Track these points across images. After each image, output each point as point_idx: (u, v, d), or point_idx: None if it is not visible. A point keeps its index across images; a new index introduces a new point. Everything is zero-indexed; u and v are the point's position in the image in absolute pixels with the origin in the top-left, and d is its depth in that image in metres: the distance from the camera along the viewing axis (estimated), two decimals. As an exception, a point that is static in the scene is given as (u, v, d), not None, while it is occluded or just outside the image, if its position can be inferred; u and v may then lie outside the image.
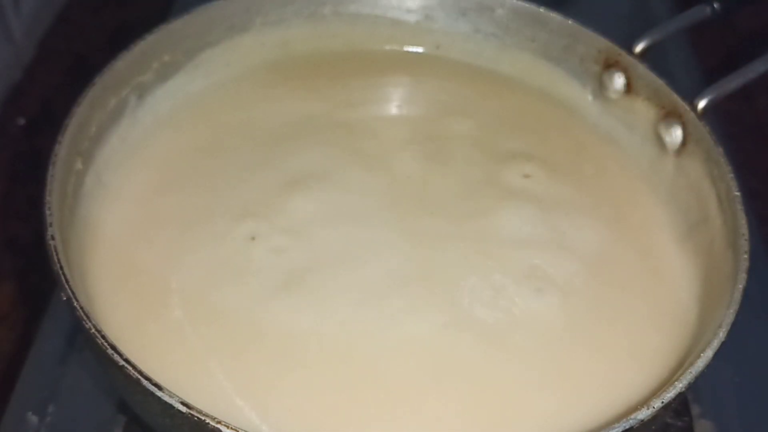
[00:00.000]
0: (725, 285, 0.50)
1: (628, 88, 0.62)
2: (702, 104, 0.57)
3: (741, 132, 0.91)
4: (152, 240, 0.53)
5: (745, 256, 0.50)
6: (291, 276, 0.52)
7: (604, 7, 0.79)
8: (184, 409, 0.40)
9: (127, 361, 0.42)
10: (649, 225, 0.59)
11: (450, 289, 0.52)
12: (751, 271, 0.49)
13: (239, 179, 0.57)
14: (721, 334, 0.46)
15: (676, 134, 0.59)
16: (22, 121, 0.95)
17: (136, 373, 0.41)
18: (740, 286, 0.48)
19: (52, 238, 0.46)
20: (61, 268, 0.45)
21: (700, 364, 0.45)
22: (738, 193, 0.53)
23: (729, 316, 0.47)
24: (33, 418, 0.55)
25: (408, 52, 0.69)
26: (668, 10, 0.85)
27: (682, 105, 0.58)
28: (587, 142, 0.64)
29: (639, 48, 0.61)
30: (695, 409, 0.59)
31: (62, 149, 0.51)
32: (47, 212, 0.47)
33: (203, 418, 0.40)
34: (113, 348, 0.42)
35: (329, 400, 0.47)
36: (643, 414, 0.43)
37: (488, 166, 0.60)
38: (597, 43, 0.63)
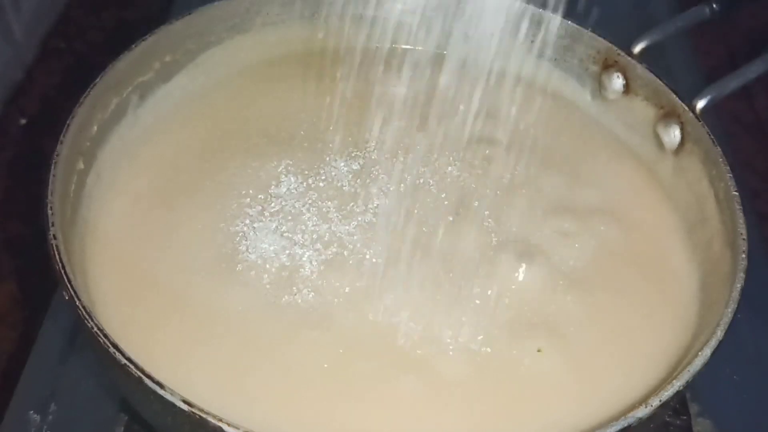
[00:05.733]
0: (724, 284, 0.50)
1: (627, 88, 0.62)
2: (701, 104, 0.57)
3: (740, 132, 0.91)
4: (154, 239, 0.54)
5: (744, 255, 0.50)
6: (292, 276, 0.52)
7: (603, 7, 0.79)
8: (185, 407, 0.40)
9: (128, 360, 0.42)
10: (649, 224, 0.59)
11: (459, 287, 0.53)
12: (750, 271, 0.49)
13: (241, 177, 0.58)
14: (720, 333, 0.46)
15: (674, 134, 0.59)
16: (23, 121, 0.95)
17: (137, 372, 0.41)
18: (739, 286, 0.48)
19: (54, 237, 0.46)
20: (63, 267, 0.45)
21: (699, 362, 0.45)
22: (736, 193, 0.53)
23: (727, 316, 0.47)
24: (35, 417, 0.55)
25: (408, 50, 0.69)
26: (668, 11, 0.85)
27: (681, 105, 0.58)
28: (586, 142, 0.64)
29: (638, 48, 0.61)
30: (694, 408, 0.59)
31: (64, 149, 0.51)
32: (49, 212, 0.47)
33: (205, 416, 0.40)
34: (115, 347, 0.42)
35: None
36: (642, 412, 0.43)
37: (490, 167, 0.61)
38: (596, 43, 0.63)
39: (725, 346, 0.46)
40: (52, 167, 0.49)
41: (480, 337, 0.51)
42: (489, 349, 0.50)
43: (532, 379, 0.50)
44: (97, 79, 0.55)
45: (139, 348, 0.45)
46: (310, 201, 0.56)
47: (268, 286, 0.52)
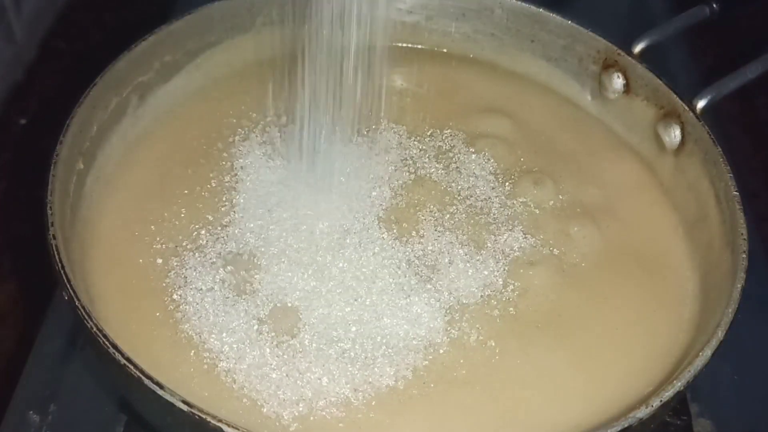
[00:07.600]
0: (724, 284, 0.50)
1: (627, 88, 0.62)
2: (701, 104, 0.58)
3: (739, 132, 0.91)
4: (153, 239, 0.54)
5: (744, 255, 0.50)
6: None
7: (603, 7, 0.79)
8: (185, 407, 0.40)
9: (128, 360, 0.42)
10: (649, 224, 0.59)
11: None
12: (750, 271, 0.49)
13: (241, 176, 0.57)
14: (720, 334, 0.46)
15: (675, 134, 0.59)
16: (23, 121, 0.95)
17: (137, 372, 0.41)
18: (739, 286, 0.48)
19: (54, 237, 0.46)
20: (63, 267, 0.45)
21: (699, 363, 0.45)
22: (737, 193, 0.53)
23: (728, 316, 0.47)
24: (34, 417, 0.55)
25: (408, 49, 0.69)
26: (667, 11, 0.85)
27: (681, 105, 0.58)
28: (586, 141, 0.64)
29: (638, 48, 0.61)
30: (694, 408, 0.59)
31: (64, 149, 0.51)
32: (48, 212, 0.47)
33: (204, 416, 0.40)
34: (114, 347, 0.42)
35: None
36: (642, 413, 0.43)
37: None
38: (596, 43, 0.63)
39: (725, 346, 0.46)
40: (52, 167, 0.50)
41: (481, 336, 0.51)
42: (490, 348, 0.50)
43: (534, 378, 0.50)
44: (97, 79, 0.55)
45: (139, 348, 0.45)
46: (310, 196, 0.56)
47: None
